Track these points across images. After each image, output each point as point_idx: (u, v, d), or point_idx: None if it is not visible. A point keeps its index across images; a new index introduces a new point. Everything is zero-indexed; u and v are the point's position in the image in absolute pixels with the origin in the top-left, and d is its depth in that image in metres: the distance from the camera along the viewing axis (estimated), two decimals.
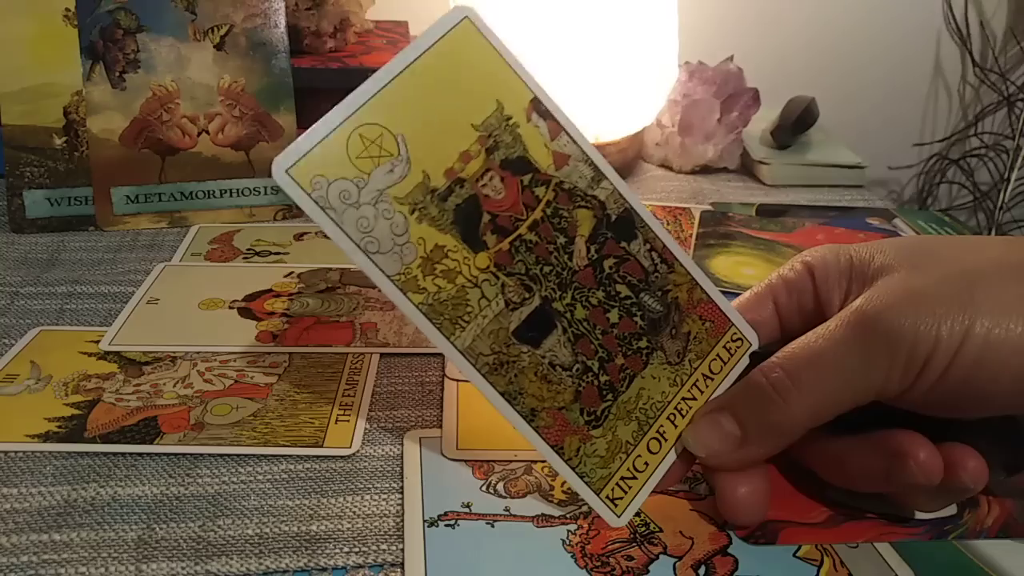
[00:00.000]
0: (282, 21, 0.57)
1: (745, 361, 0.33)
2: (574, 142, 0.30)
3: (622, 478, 0.30)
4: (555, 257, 0.29)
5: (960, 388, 0.27)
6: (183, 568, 0.30)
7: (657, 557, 0.31)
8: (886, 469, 0.29)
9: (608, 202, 0.30)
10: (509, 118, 0.29)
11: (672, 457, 0.31)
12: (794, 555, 0.31)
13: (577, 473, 0.29)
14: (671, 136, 0.69)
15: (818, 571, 0.30)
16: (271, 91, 0.57)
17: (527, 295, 0.28)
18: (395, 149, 0.27)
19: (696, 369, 0.31)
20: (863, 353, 0.27)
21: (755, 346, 0.33)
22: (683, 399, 0.31)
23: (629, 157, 0.67)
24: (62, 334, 0.43)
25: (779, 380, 0.28)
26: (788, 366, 0.29)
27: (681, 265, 0.32)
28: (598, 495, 0.30)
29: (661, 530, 0.32)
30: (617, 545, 0.31)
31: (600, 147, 0.63)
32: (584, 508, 0.33)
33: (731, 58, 0.70)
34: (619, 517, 0.30)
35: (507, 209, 0.28)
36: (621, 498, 0.30)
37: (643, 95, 0.63)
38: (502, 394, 0.28)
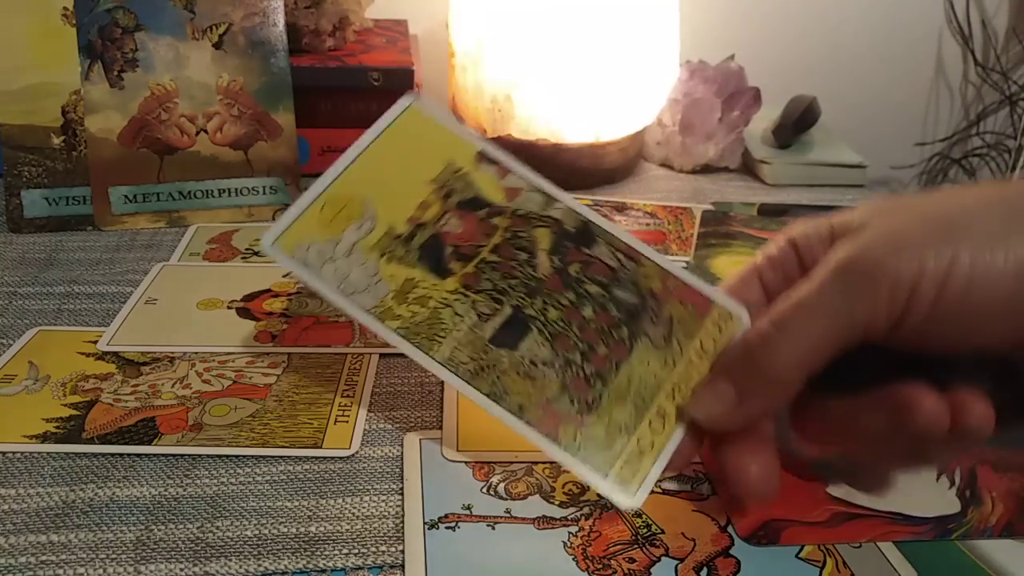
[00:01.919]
0: (281, 20, 0.57)
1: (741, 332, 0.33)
2: (522, 177, 0.34)
3: (627, 461, 0.30)
4: (520, 271, 0.31)
5: (953, 319, 0.27)
6: (181, 569, 0.30)
7: (659, 559, 0.30)
8: (893, 423, 0.29)
9: (564, 219, 0.33)
10: (459, 169, 0.33)
11: (679, 435, 0.31)
12: (796, 556, 0.31)
13: (579, 459, 0.29)
14: (672, 135, 0.69)
15: (820, 572, 0.30)
16: (270, 90, 0.57)
17: (498, 306, 0.31)
18: (362, 211, 0.32)
19: (687, 348, 0.32)
20: (845, 290, 0.27)
21: (745, 318, 0.33)
22: (679, 377, 0.31)
23: (630, 156, 0.67)
24: (60, 334, 0.43)
25: (764, 329, 0.28)
26: (774, 315, 0.29)
27: (648, 259, 0.33)
28: (605, 477, 0.29)
29: (663, 531, 0.32)
30: (619, 547, 0.31)
31: (601, 146, 0.63)
32: (585, 510, 0.33)
33: (732, 57, 0.70)
34: (632, 498, 0.30)
35: (468, 239, 0.32)
36: (631, 480, 0.30)
37: (644, 94, 0.63)
38: (487, 395, 0.29)
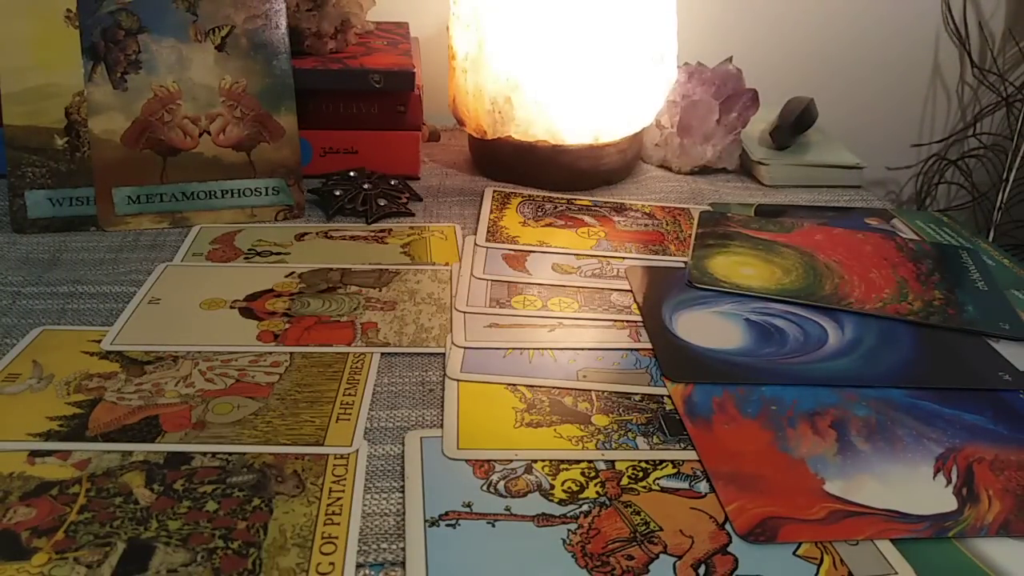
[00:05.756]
0: (283, 22, 0.57)
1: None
2: (87, 449, 0.35)
3: None
4: (121, 511, 0.32)
5: None
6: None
7: (657, 556, 0.31)
8: None
9: (149, 458, 0.34)
10: (10, 474, 0.33)
11: (355, 538, 0.31)
12: (794, 553, 0.31)
13: None
14: (670, 137, 0.69)
15: (818, 569, 0.31)
16: (272, 92, 0.57)
17: (108, 548, 0.30)
18: None
19: (324, 485, 0.34)
20: None
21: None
22: (327, 509, 0.32)
23: (628, 158, 0.67)
24: (64, 334, 0.43)
25: None
26: None
27: (251, 449, 0.35)
28: None
29: (661, 529, 0.32)
30: (617, 544, 0.31)
31: (600, 147, 0.63)
32: (584, 508, 0.33)
33: (730, 59, 0.70)
34: None
35: (45, 516, 0.31)
36: None
37: (642, 96, 0.63)
38: None
